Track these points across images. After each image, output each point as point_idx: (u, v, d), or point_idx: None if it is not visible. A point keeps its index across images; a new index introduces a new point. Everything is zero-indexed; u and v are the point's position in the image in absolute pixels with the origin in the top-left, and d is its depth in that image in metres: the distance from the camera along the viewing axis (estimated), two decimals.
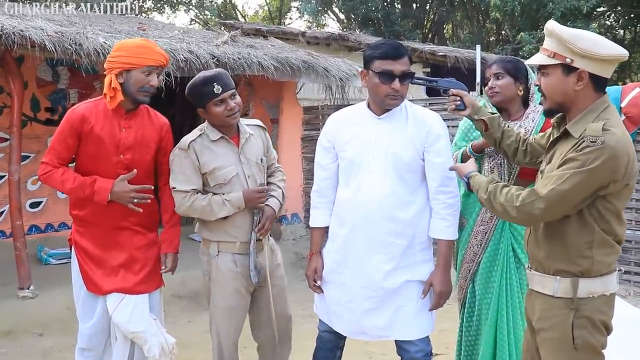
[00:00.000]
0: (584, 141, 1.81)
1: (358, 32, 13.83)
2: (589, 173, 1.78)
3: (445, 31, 18.24)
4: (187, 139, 2.65)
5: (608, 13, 14.48)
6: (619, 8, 13.81)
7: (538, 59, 1.96)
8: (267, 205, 2.71)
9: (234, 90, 2.61)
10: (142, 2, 15.40)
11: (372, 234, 2.38)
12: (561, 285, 1.92)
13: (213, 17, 17.21)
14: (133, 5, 14.77)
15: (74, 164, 2.66)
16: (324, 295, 2.57)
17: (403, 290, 2.40)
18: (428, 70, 8.67)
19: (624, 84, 4.96)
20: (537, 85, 2.04)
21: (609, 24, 14.79)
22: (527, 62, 2.15)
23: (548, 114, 2.08)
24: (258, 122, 2.91)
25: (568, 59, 1.86)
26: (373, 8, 14.92)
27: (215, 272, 2.69)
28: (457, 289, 2.87)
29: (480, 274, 2.73)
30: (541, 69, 1.97)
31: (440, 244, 2.43)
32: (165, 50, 4.47)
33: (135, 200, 2.54)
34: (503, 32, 15.37)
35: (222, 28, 9.20)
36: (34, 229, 5.96)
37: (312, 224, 2.63)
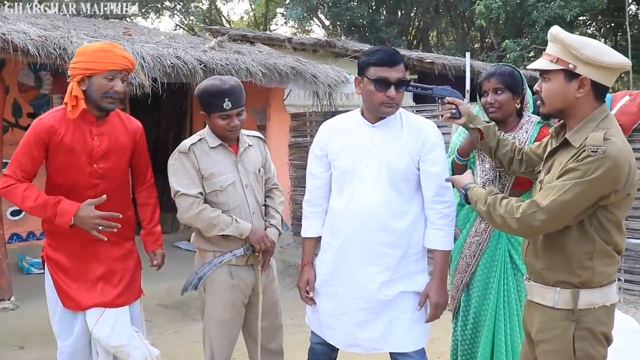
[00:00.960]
0: (584, 151, 1.79)
1: (344, 39, 13.86)
2: (591, 183, 1.76)
3: (430, 38, 18.34)
4: (187, 142, 2.63)
5: (589, 22, 14.66)
6: (600, 17, 13.99)
7: (540, 63, 1.94)
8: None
9: (242, 108, 2.59)
10: (127, 7, 15.23)
11: (365, 245, 2.33)
12: (561, 296, 1.90)
13: (198, 23, 17.12)
14: (117, 10, 14.67)
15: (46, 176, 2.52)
16: (316, 307, 2.51)
17: (398, 302, 2.35)
18: (415, 77, 8.67)
19: (615, 91, 4.98)
20: (537, 91, 2.01)
21: (590, 32, 14.97)
22: (529, 67, 2.13)
23: (545, 117, 2.06)
24: (258, 134, 2.90)
25: (571, 64, 1.84)
26: (359, 15, 14.94)
27: (211, 284, 2.64)
28: (449, 299, 2.84)
29: (476, 283, 2.70)
30: (543, 74, 1.95)
31: (436, 255, 2.38)
32: (152, 55, 4.42)
33: (100, 228, 2.38)
34: (487, 39, 15.49)
35: (208, 34, 9.11)
36: (15, 237, 5.82)
37: (304, 234, 2.58)
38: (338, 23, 16.23)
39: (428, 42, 17.54)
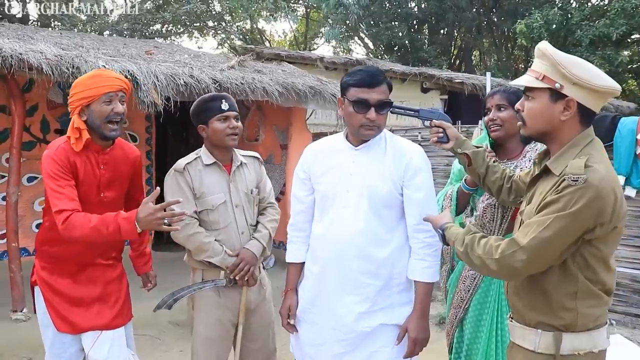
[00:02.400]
0: (564, 180, 1.64)
1: (384, 58, 13.81)
2: (573, 216, 1.60)
3: (472, 58, 18.05)
4: (182, 161, 2.65)
5: None
6: None
7: (524, 80, 1.79)
8: (244, 248, 2.68)
9: (237, 114, 2.64)
10: (172, 27, 15.68)
11: (344, 273, 2.22)
12: (543, 339, 1.74)
13: (241, 43, 17.43)
14: (164, 30, 15.12)
15: (45, 205, 2.46)
16: (298, 335, 2.41)
17: (377, 335, 2.22)
18: (446, 97, 8.52)
19: None
20: (518, 110, 1.86)
21: None
22: (511, 83, 1.98)
23: (525, 140, 1.91)
24: (255, 153, 2.89)
25: (558, 84, 1.70)
26: (399, 34, 14.85)
27: (199, 301, 2.66)
28: (445, 334, 2.70)
29: (469, 319, 2.54)
30: (526, 91, 1.80)
31: (418, 287, 2.24)
32: (165, 74, 4.45)
33: (166, 221, 2.20)
34: (531, 59, 15.11)
35: (233, 53, 9.21)
36: None
37: (288, 259, 2.50)
38: (378, 42, 16.19)
39: (470, 62, 17.26)
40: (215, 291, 2.63)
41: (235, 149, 2.74)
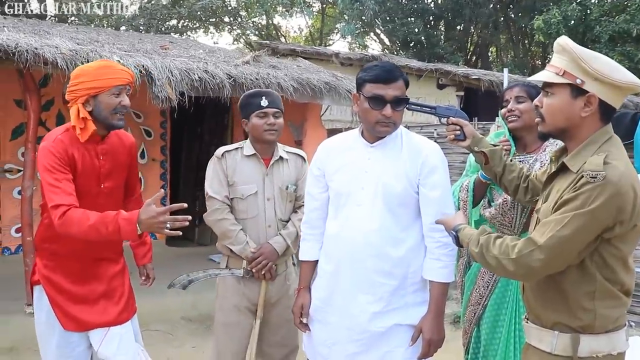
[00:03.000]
0: (582, 177, 1.59)
1: (400, 54, 13.72)
2: (592, 214, 1.56)
3: (489, 54, 17.87)
4: (223, 148, 2.80)
5: None
6: None
7: (544, 75, 1.75)
8: (267, 242, 2.72)
9: (279, 111, 2.75)
10: (188, 22, 15.71)
11: (358, 272, 2.19)
12: (560, 341, 1.70)
13: (257, 38, 17.43)
14: (180, 25, 15.16)
15: (43, 200, 2.40)
16: (311, 334, 2.38)
17: (391, 335, 2.18)
18: (462, 94, 8.42)
19: None
20: (536, 107, 1.81)
21: None
22: (530, 78, 1.94)
23: (543, 137, 1.87)
24: (300, 151, 2.97)
25: (579, 79, 1.66)
26: (415, 30, 14.73)
27: (222, 287, 2.77)
28: (462, 332, 2.65)
29: (486, 318, 2.50)
30: (545, 87, 1.76)
31: (433, 287, 2.20)
32: (180, 69, 4.44)
33: (168, 226, 2.11)
34: (549, 55, 14.91)
35: (249, 49, 9.21)
36: None
37: (301, 257, 2.46)
38: (394, 38, 16.08)
39: (487, 59, 17.09)
40: (237, 279, 2.72)
41: (280, 145, 2.85)
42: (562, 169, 1.75)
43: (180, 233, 2.18)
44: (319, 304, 2.32)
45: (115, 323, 2.47)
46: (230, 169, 2.72)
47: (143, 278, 2.76)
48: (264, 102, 2.69)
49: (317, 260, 2.39)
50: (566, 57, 1.69)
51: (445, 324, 5.03)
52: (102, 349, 2.44)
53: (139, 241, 2.71)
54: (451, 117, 2.23)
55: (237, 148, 2.78)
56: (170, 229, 2.10)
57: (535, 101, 1.82)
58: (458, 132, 2.21)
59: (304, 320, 2.38)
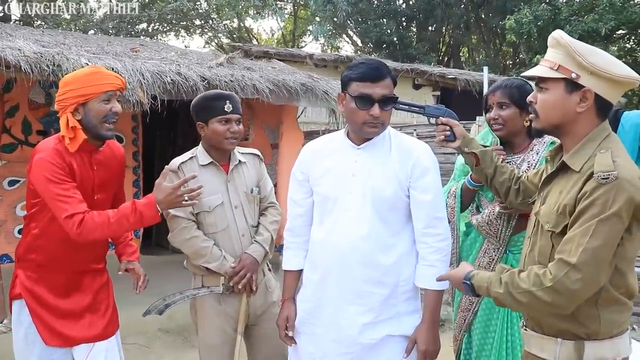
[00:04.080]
0: (592, 180, 1.52)
1: (373, 55, 13.69)
2: (616, 217, 1.48)
3: (461, 54, 17.99)
4: (177, 160, 2.55)
5: (628, 36, 14.08)
6: None
7: (538, 70, 1.68)
8: (245, 253, 2.54)
9: (240, 117, 2.54)
10: (159, 25, 15.42)
11: (346, 282, 2.08)
12: (563, 349, 1.62)
13: (229, 41, 17.22)
14: (150, 29, 14.86)
15: (29, 211, 2.33)
16: (298, 347, 2.26)
17: (383, 346, 2.08)
18: (438, 94, 8.39)
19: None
20: (530, 103, 1.74)
21: (629, 46, 14.38)
22: (525, 74, 1.86)
23: (537, 134, 1.79)
24: (255, 150, 2.77)
25: (574, 73, 1.59)
26: (388, 31, 14.72)
27: (200, 308, 2.57)
28: (452, 339, 2.57)
29: (477, 324, 2.42)
30: (540, 83, 1.69)
31: (427, 295, 2.10)
32: (152, 72, 4.27)
33: (186, 198, 2.20)
34: (520, 55, 15.07)
35: (221, 52, 9.05)
36: None
37: (284, 266, 2.34)
38: (367, 39, 16.06)
39: (459, 59, 17.20)
40: (215, 298, 2.53)
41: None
42: (562, 169, 1.68)
43: (197, 202, 2.28)
44: (305, 316, 2.21)
45: (102, 337, 2.38)
46: (191, 182, 2.43)
47: (138, 281, 2.59)
48: (228, 106, 2.46)
49: (302, 270, 2.28)
50: (561, 50, 1.63)
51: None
52: None
53: (125, 243, 2.63)
54: (441, 117, 2.14)
55: (191, 157, 2.54)
56: (189, 200, 2.18)
57: (530, 97, 1.75)
58: (448, 133, 2.12)
59: (290, 333, 2.25)
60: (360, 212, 2.07)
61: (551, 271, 1.53)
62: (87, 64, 4.00)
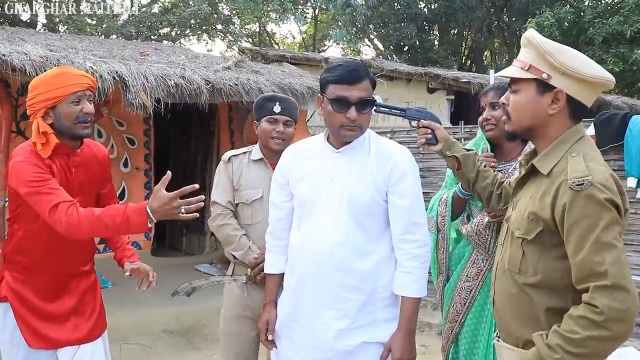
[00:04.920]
0: (569, 188, 1.46)
1: (393, 59, 13.60)
2: (612, 219, 1.44)
3: (484, 58, 17.77)
4: (231, 152, 2.75)
5: None
6: None
7: (509, 71, 1.64)
8: None
9: (291, 120, 2.65)
10: (180, 30, 15.62)
11: (322, 287, 2.05)
12: None
13: (250, 45, 17.34)
14: (173, 33, 15.06)
15: (12, 214, 2.31)
16: (278, 351, 2.24)
17: (359, 354, 2.04)
18: (452, 97, 8.28)
19: None
20: (503, 104, 1.70)
21: None
22: (497, 74, 1.82)
23: (510, 137, 1.73)
24: None
25: (545, 74, 1.55)
26: (409, 35, 14.61)
27: (226, 296, 2.70)
28: (440, 349, 2.52)
29: (465, 333, 2.37)
30: (512, 84, 1.65)
31: (404, 302, 2.05)
32: (155, 75, 4.31)
33: (183, 211, 2.01)
34: None
35: (240, 54, 9.10)
36: None
37: (266, 269, 2.33)
38: (387, 43, 15.97)
39: (481, 63, 16.98)
40: (240, 288, 2.62)
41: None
42: (533, 173, 1.63)
43: (198, 215, 2.07)
44: (284, 320, 2.19)
45: (87, 340, 2.35)
46: (236, 174, 2.66)
47: (148, 277, 2.45)
48: (277, 107, 2.60)
49: (283, 274, 2.26)
50: (532, 50, 1.59)
51: (432, 334, 4.89)
52: None
53: (122, 247, 2.55)
54: (422, 120, 2.10)
55: (245, 152, 2.72)
56: (186, 213, 2.01)
57: (502, 99, 1.71)
58: (429, 136, 2.08)
59: (270, 337, 2.23)
60: (337, 217, 2.04)
61: (595, 302, 1.40)
62: (92, 67, 4.06)
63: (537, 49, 1.57)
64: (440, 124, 2.12)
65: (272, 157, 2.64)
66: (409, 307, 2.04)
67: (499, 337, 1.72)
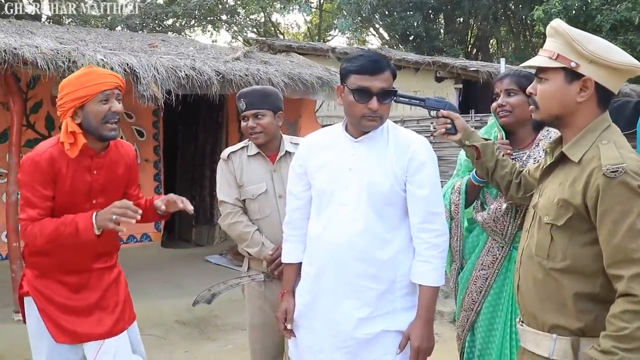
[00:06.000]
0: (602, 174, 1.48)
1: (399, 48, 13.57)
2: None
3: (490, 46, 17.68)
4: (229, 149, 2.76)
5: None
6: None
7: (537, 60, 1.66)
8: None
9: (259, 111, 2.63)
10: (185, 21, 15.58)
11: (342, 276, 2.06)
12: (559, 345, 1.58)
13: (255, 35, 17.28)
14: (177, 24, 15.02)
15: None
16: (297, 340, 2.25)
17: (379, 342, 2.06)
18: (460, 86, 8.25)
19: None
20: (530, 94, 1.71)
21: None
22: (523, 64, 1.83)
23: (537, 126, 1.73)
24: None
25: (573, 62, 1.56)
26: (415, 24, 14.55)
27: (247, 289, 2.73)
28: (456, 337, 2.53)
29: (481, 322, 2.38)
30: (539, 73, 1.66)
31: (422, 291, 2.06)
32: (166, 67, 4.31)
33: (114, 217, 2.11)
34: None
35: (245, 46, 9.09)
36: None
37: (284, 259, 2.34)
38: (393, 32, 15.91)
39: (488, 51, 16.91)
40: (258, 282, 2.66)
41: (286, 137, 2.76)
42: (561, 160, 1.64)
43: (125, 229, 2.23)
44: (303, 309, 2.20)
45: (111, 334, 2.36)
46: (237, 170, 2.68)
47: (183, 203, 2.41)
48: (242, 104, 2.64)
49: (301, 262, 2.27)
50: (559, 40, 1.60)
51: (444, 322, 4.89)
52: None
53: (143, 204, 2.51)
54: (441, 110, 2.11)
55: (242, 147, 2.73)
56: (115, 222, 2.11)
57: (529, 88, 1.72)
58: (449, 126, 2.10)
59: (289, 326, 2.25)
60: (357, 207, 2.04)
61: (632, 294, 1.42)
62: (103, 59, 4.07)
63: (564, 38, 1.58)
64: (459, 114, 2.12)
65: (267, 148, 2.68)
66: (427, 296, 2.05)
67: (522, 322, 1.74)
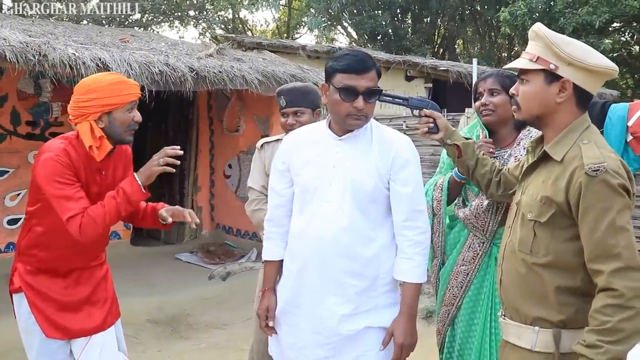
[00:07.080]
0: (584, 173, 1.54)
1: (367, 47, 13.65)
2: (623, 202, 1.53)
3: (456, 47, 17.95)
4: (263, 139, 2.91)
5: (622, 28, 14.08)
6: (635, 24, 13.40)
7: (519, 62, 1.72)
8: None
9: (300, 109, 2.75)
10: (152, 16, 15.31)
11: (325, 273, 2.07)
12: (540, 337, 1.64)
13: (223, 32, 17.12)
14: (144, 20, 14.76)
15: (31, 207, 2.32)
16: (279, 337, 2.26)
17: (362, 338, 2.08)
18: (430, 85, 8.36)
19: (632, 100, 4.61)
20: (512, 95, 1.77)
21: (624, 40, 14.38)
22: (506, 66, 1.90)
23: (520, 125, 1.85)
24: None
25: (552, 64, 1.63)
26: (383, 23, 14.66)
27: (260, 276, 2.73)
28: (435, 332, 2.57)
29: (461, 316, 2.43)
30: (521, 75, 1.73)
31: (405, 288, 2.09)
32: (139, 63, 4.25)
33: (161, 161, 2.24)
34: (515, 47, 15.05)
35: (214, 43, 9.01)
36: (11, 246, 5.73)
37: (264, 256, 2.34)
38: (361, 31, 16.00)
39: (454, 51, 17.17)
40: None
41: None
42: (544, 159, 1.70)
43: (174, 170, 2.30)
44: (285, 306, 2.21)
45: (100, 329, 2.40)
46: (267, 160, 2.76)
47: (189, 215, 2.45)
48: (282, 101, 2.75)
49: (282, 260, 2.27)
50: (540, 42, 1.66)
51: (418, 319, 4.96)
52: (83, 357, 2.36)
53: (143, 212, 2.56)
54: (424, 109, 2.15)
55: (277, 139, 2.82)
56: (163, 164, 2.23)
57: (512, 89, 1.78)
58: (431, 125, 2.14)
59: (270, 324, 2.25)
60: (341, 204, 2.06)
61: (612, 288, 1.48)
62: (74, 54, 3.98)
63: (544, 41, 1.64)
64: (441, 113, 2.16)
65: None
66: (410, 292, 2.09)
67: (504, 316, 1.79)
